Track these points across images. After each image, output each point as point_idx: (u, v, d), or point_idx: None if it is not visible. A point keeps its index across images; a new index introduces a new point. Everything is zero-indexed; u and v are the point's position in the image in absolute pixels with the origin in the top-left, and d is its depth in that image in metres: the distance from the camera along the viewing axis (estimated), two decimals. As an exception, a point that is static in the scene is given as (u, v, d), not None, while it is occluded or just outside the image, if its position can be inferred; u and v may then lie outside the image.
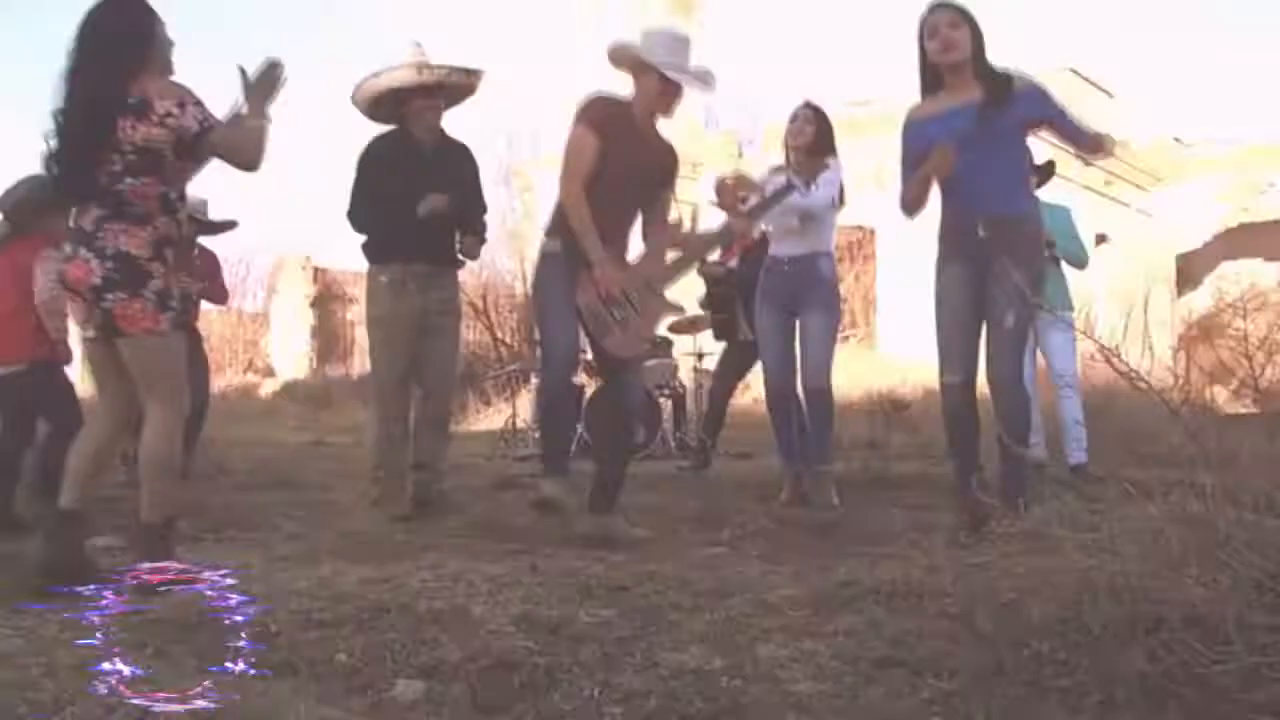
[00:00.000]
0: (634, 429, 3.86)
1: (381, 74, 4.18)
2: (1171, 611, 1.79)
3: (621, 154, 3.49)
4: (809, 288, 4.44)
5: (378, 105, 4.25)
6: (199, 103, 2.89)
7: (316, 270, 22.66)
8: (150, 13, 2.98)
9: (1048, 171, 5.46)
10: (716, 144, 16.14)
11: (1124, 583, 1.90)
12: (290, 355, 21.68)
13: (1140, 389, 2.14)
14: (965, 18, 3.47)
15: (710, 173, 14.75)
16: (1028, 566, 2.61)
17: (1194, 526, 2.02)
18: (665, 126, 3.73)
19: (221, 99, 2.94)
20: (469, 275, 19.20)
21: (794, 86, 34.25)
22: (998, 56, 3.52)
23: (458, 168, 4.36)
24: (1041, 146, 4.93)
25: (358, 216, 4.33)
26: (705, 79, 3.59)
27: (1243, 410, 8.91)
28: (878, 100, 14.10)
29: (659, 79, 3.49)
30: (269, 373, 21.22)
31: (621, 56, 3.58)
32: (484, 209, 4.50)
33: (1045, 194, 5.36)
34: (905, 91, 3.83)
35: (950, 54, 3.42)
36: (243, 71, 2.89)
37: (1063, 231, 5.23)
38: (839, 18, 45.97)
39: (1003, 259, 3.34)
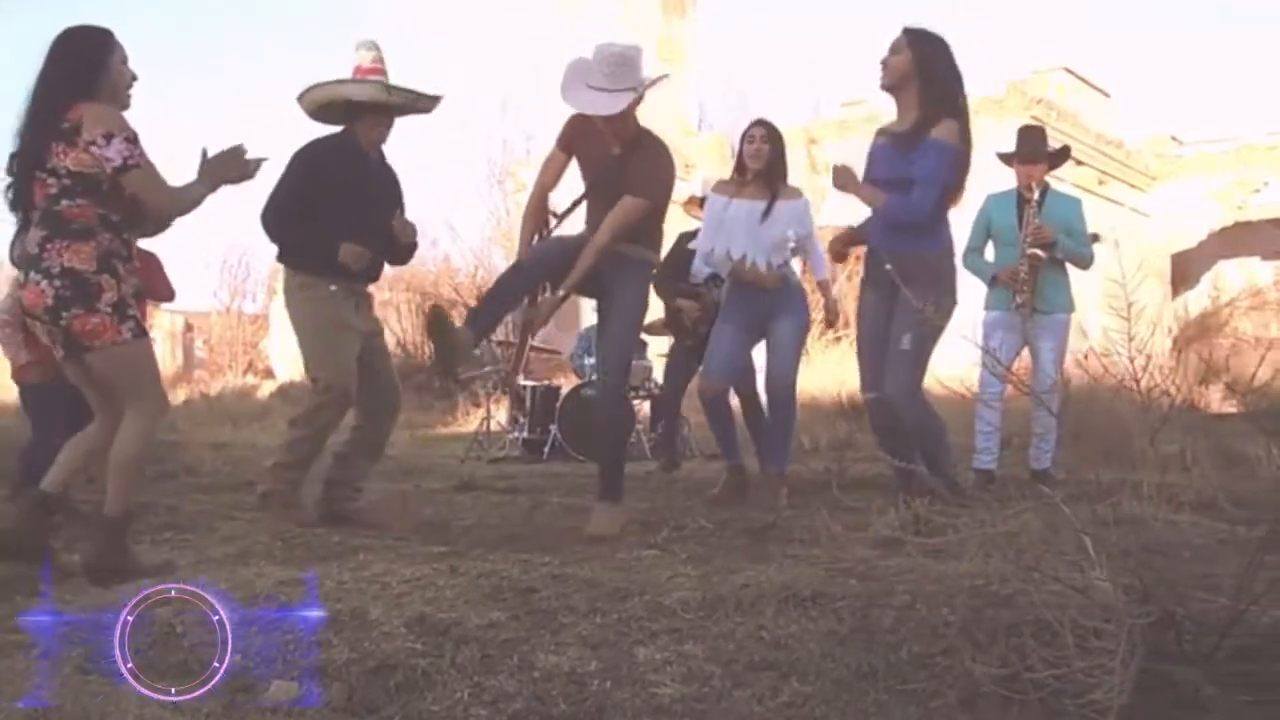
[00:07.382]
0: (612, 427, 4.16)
1: (346, 84, 4.01)
2: (1024, 616, 1.80)
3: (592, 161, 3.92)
4: (781, 299, 4.58)
5: (326, 109, 4.09)
6: (131, 139, 2.91)
7: (316, 272, 22.71)
8: (105, 43, 3.03)
9: (1061, 156, 5.30)
10: (707, 144, 16.16)
11: (988, 587, 1.92)
12: (289, 357, 21.76)
13: (1025, 394, 2.15)
14: (912, 43, 3.55)
15: (701, 173, 14.77)
16: (941, 570, 2.62)
17: (1104, 528, 2.03)
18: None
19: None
20: (464, 275, 19.32)
21: (787, 85, 34.35)
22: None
23: (395, 188, 4.23)
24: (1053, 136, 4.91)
25: (281, 222, 4.04)
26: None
27: (1231, 410, 8.89)
28: (870, 100, 14.09)
29: None
30: (268, 374, 21.33)
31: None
32: (414, 231, 4.29)
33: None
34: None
35: (882, 79, 3.53)
36: (204, 153, 3.10)
37: (1067, 228, 4.99)
38: (832, 17, 46.03)
39: (905, 290, 3.44)
